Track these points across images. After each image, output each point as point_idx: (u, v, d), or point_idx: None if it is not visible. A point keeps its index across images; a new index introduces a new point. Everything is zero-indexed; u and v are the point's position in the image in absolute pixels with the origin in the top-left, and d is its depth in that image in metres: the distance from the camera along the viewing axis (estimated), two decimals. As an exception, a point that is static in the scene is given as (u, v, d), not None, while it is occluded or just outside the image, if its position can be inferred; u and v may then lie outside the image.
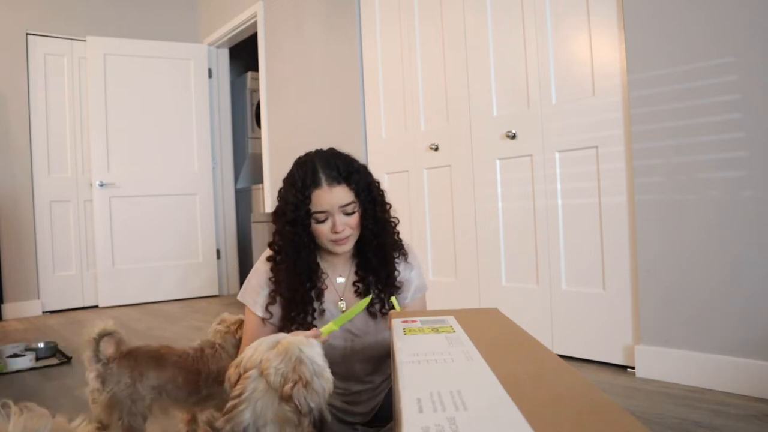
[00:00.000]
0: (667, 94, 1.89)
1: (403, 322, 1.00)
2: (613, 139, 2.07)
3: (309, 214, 1.20)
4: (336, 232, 1.20)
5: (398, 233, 1.32)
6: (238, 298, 1.31)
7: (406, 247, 1.34)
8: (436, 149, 2.76)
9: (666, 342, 1.91)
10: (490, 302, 2.49)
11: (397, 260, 1.30)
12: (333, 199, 1.18)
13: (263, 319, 1.26)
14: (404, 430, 0.52)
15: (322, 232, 1.21)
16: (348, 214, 1.21)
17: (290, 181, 1.22)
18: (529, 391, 0.62)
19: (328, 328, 1.10)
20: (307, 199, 1.18)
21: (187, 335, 3.13)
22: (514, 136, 2.40)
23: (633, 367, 2.00)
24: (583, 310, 2.17)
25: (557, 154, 2.26)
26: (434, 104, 2.79)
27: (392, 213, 1.31)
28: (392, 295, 1.27)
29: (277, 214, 1.25)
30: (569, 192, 2.22)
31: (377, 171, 3.12)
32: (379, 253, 1.26)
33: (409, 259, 1.35)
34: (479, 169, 2.57)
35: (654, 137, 1.92)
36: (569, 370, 0.69)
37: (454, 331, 0.90)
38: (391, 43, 3.03)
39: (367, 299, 1.19)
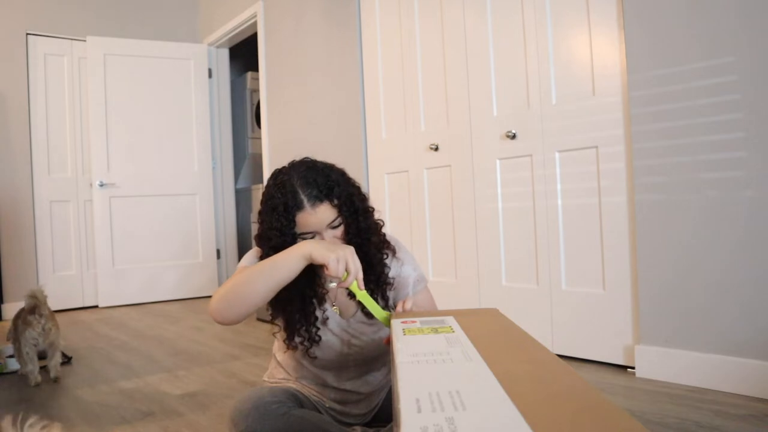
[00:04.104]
0: (667, 94, 1.89)
1: (403, 322, 1.00)
2: (613, 139, 2.07)
3: (295, 237, 1.18)
4: None
5: (384, 235, 1.30)
6: (239, 265, 1.29)
7: (393, 242, 1.32)
8: (436, 149, 2.76)
9: (666, 342, 1.91)
10: (490, 302, 2.50)
11: (386, 258, 1.29)
12: (318, 219, 1.17)
13: None
14: (403, 430, 0.52)
15: None
16: (335, 227, 1.20)
17: (271, 204, 1.18)
18: (528, 391, 0.62)
19: (354, 286, 1.10)
20: (292, 223, 1.16)
21: (187, 335, 3.13)
22: (514, 136, 2.40)
23: (633, 367, 2.00)
24: (583, 310, 2.17)
25: (557, 154, 2.26)
26: (434, 104, 2.79)
27: (376, 215, 1.29)
28: (386, 291, 1.27)
29: (261, 239, 1.22)
30: (569, 192, 2.22)
31: (377, 171, 3.13)
32: (363, 261, 1.24)
33: (399, 254, 1.32)
34: (479, 169, 2.57)
35: (654, 137, 1.92)
36: (568, 371, 0.69)
37: (453, 332, 0.90)
38: (391, 43, 3.03)
39: (387, 314, 1.16)
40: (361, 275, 1.09)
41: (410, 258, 1.35)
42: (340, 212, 1.20)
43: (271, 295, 1.11)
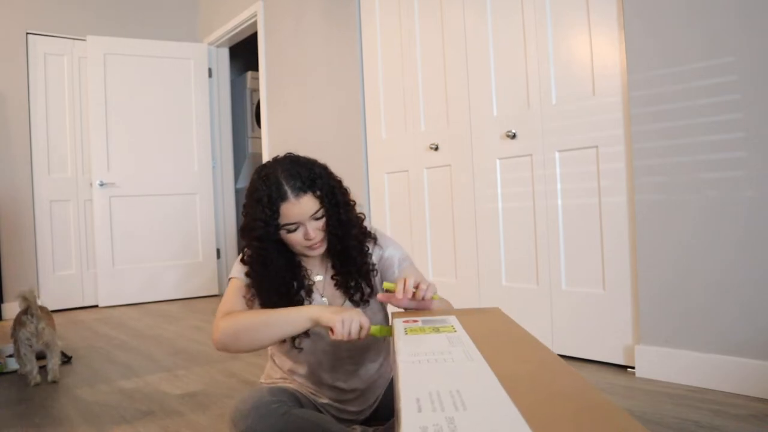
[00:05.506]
0: (667, 94, 1.89)
1: (405, 321, 1.00)
2: (613, 139, 2.07)
3: (278, 228, 1.21)
4: (309, 239, 1.22)
5: (365, 228, 1.33)
6: (229, 275, 1.33)
7: (375, 233, 1.36)
8: (436, 149, 2.76)
9: (666, 342, 1.91)
10: (490, 302, 2.50)
11: (368, 247, 1.32)
12: (301, 209, 1.19)
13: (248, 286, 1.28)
14: (403, 430, 0.52)
15: (295, 240, 1.23)
16: (318, 219, 1.23)
17: (255, 197, 1.21)
18: (528, 390, 0.62)
19: (374, 330, 1.13)
20: (276, 214, 1.19)
21: (186, 335, 3.13)
22: (514, 136, 2.40)
23: (633, 367, 2.00)
24: (583, 310, 2.17)
25: (557, 154, 2.26)
26: (434, 104, 2.79)
27: (357, 209, 1.32)
28: (370, 279, 1.30)
29: (245, 231, 1.25)
30: (569, 192, 2.22)
31: (377, 171, 3.13)
32: (344, 253, 1.29)
33: (380, 241, 1.36)
34: (479, 169, 2.57)
35: (654, 137, 1.92)
36: (568, 370, 0.69)
37: (455, 331, 0.90)
38: (391, 43, 3.03)
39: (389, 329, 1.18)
40: (368, 325, 1.12)
41: (392, 242, 1.39)
42: (323, 204, 1.23)
43: (274, 342, 1.22)
